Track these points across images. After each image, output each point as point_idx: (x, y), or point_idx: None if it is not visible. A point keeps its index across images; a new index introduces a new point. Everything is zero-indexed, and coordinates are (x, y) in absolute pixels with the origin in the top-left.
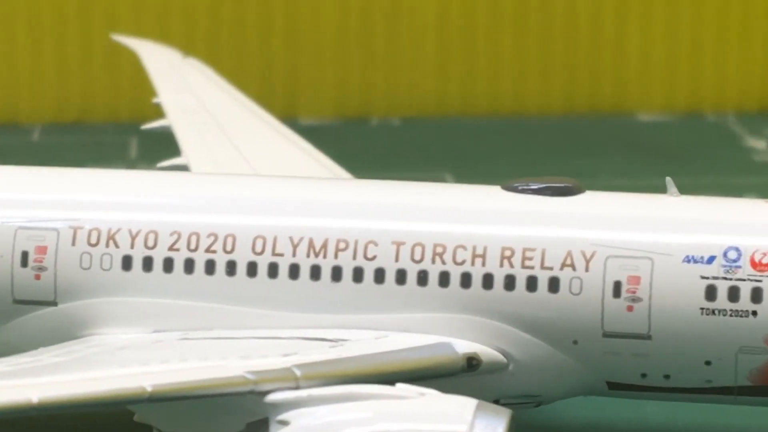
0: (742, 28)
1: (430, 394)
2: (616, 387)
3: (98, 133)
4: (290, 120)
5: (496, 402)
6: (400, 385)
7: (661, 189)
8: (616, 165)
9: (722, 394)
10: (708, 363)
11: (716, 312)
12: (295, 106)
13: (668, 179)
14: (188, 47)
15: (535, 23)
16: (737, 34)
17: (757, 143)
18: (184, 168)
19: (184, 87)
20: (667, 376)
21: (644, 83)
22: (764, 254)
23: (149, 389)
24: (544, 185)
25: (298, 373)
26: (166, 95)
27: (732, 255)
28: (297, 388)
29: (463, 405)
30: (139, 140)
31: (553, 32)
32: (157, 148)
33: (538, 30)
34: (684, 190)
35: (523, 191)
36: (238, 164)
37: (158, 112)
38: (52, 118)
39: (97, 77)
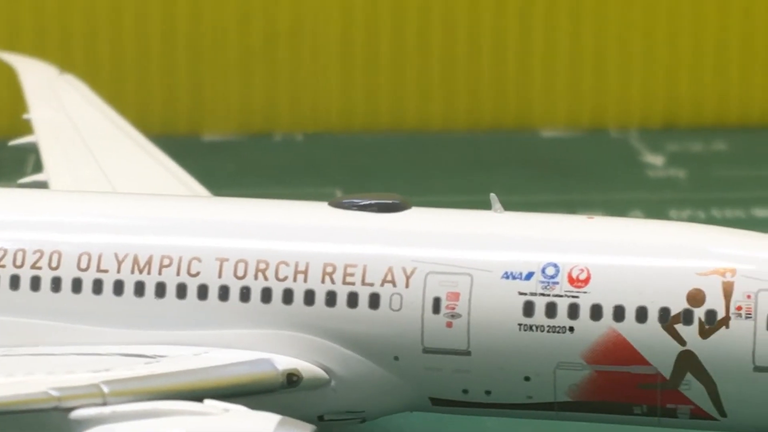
0: (646, 45)
1: (235, 410)
2: (439, 403)
3: None
4: (194, 136)
5: (321, 418)
6: (207, 402)
7: (556, 205)
8: (515, 181)
9: (543, 410)
10: (527, 379)
11: (534, 328)
12: (199, 122)
13: (492, 195)
14: (92, 66)
15: (439, 40)
16: (640, 50)
17: (655, 159)
18: (44, 185)
19: (56, 103)
20: (488, 392)
21: (548, 100)
22: (582, 270)
23: None
24: (370, 201)
25: (105, 389)
26: (36, 111)
27: (550, 271)
28: (105, 404)
29: (265, 421)
30: (37, 157)
31: (457, 49)
32: None
33: (442, 46)
34: (576, 205)
35: (349, 207)
36: (98, 182)
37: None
38: None
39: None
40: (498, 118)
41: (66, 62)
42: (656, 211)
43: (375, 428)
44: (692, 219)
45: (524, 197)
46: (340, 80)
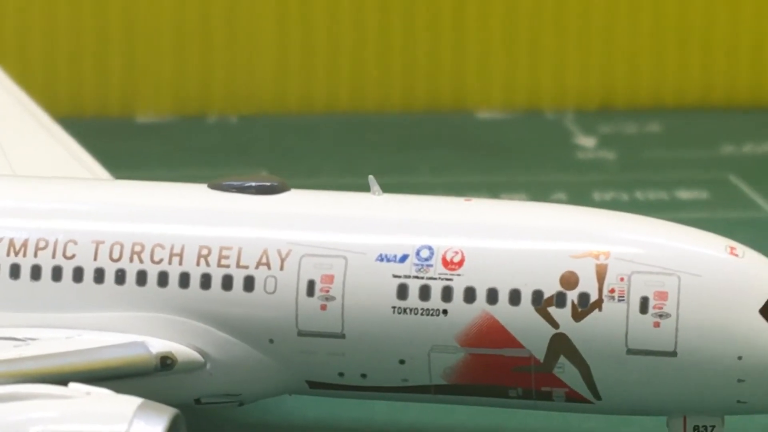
0: (581, 27)
1: (97, 393)
2: (316, 386)
3: None
4: (128, 117)
5: (197, 401)
6: (72, 385)
7: (482, 186)
8: (445, 162)
9: (420, 393)
10: (402, 362)
11: (408, 311)
12: (133, 103)
13: (371, 178)
14: (24, 47)
15: (374, 20)
16: (576, 32)
17: (586, 141)
18: None
19: None
20: (364, 375)
21: (484, 81)
22: (456, 253)
23: None
24: (249, 183)
25: None
26: None
27: (424, 254)
28: None
29: (126, 404)
30: None
31: (392, 29)
32: None
33: (377, 27)
34: (502, 187)
35: (227, 189)
36: None
37: None
38: None
39: None
40: (433, 99)
41: None
42: (580, 193)
43: (272, 408)
44: (615, 201)
45: (452, 178)
46: (275, 62)
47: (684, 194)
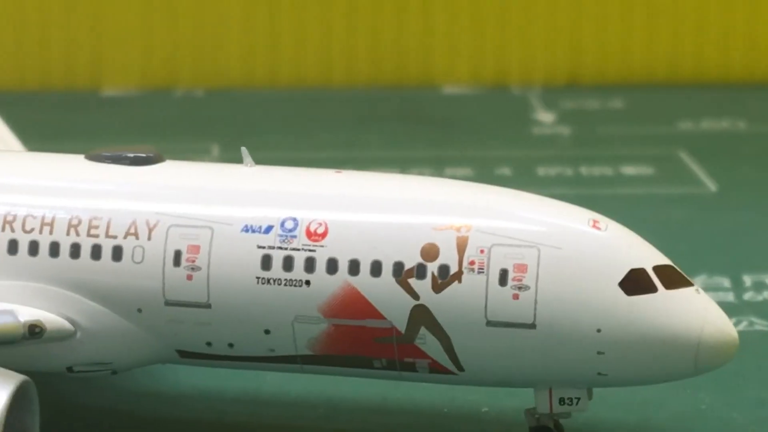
0: (549, 3)
1: None
2: (186, 355)
3: None
4: (94, 91)
5: (70, 369)
6: None
7: (431, 161)
8: (401, 136)
9: (288, 363)
10: (267, 332)
11: (272, 281)
12: (99, 77)
13: (243, 149)
14: None
15: None
16: (544, 8)
17: (545, 117)
18: None
19: None
20: (231, 345)
21: (451, 57)
22: (320, 224)
23: None
24: (124, 154)
25: None
26: None
27: (289, 225)
28: None
29: None
30: None
31: (359, 5)
32: None
33: (344, 2)
34: (451, 161)
35: (103, 160)
36: None
37: None
38: None
39: None
40: (400, 74)
41: None
42: (526, 168)
43: (152, 378)
44: (559, 176)
45: (401, 153)
46: (242, 36)
47: (629, 170)
